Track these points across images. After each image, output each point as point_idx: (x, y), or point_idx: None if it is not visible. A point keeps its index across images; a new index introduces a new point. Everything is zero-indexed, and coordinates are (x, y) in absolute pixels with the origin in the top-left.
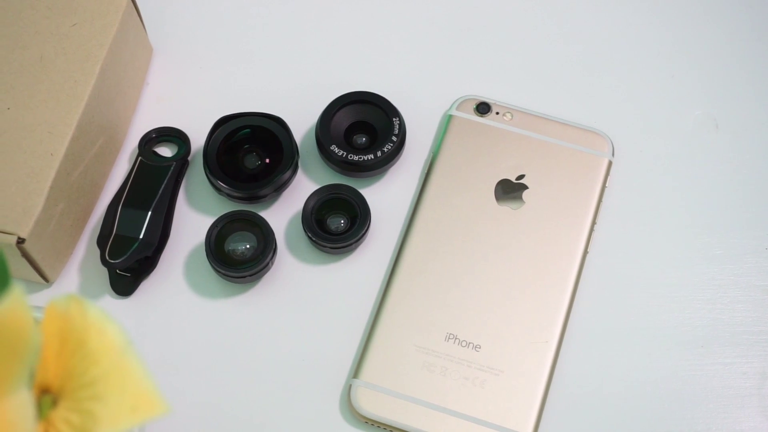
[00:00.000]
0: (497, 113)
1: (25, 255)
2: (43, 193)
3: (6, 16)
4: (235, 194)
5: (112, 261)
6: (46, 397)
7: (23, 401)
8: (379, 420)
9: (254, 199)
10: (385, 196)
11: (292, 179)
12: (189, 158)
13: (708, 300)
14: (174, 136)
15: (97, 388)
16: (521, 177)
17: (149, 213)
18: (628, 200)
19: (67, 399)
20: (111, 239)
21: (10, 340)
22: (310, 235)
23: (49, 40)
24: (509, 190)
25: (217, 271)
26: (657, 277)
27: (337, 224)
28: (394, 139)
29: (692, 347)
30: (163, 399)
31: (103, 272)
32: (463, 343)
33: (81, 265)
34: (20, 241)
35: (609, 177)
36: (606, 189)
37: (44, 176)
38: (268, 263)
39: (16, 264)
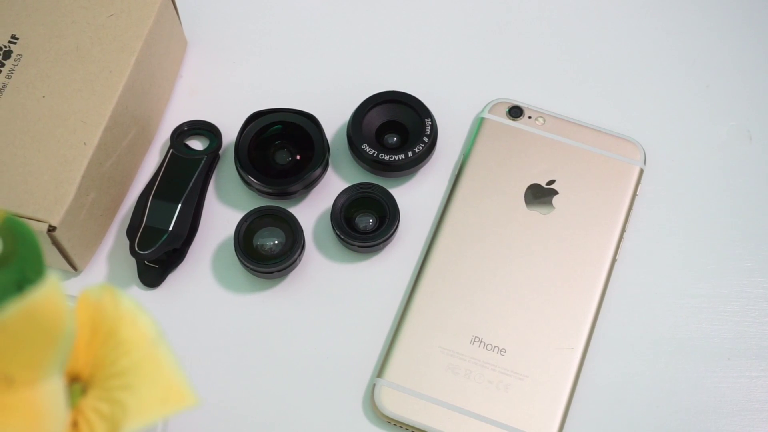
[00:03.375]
0: (529, 117)
1: (56, 243)
2: (75, 182)
3: (44, 5)
4: (265, 189)
5: (141, 252)
6: (76, 386)
7: (56, 389)
8: (401, 420)
9: (284, 195)
10: (415, 197)
11: (322, 176)
12: (220, 152)
13: (736, 312)
14: (206, 129)
15: (127, 378)
16: (552, 182)
17: (179, 205)
18: (659, 209)
19: (96, 388)
20: (140, 230)
21: (45, 327)
22: (338, 233)
23: (86, 30)
24: (539, 194)
25: (245, 266)
26: (685, 288)
27: (365, 223)
28: (426, 139)
29: (719, 359)
30: (194, 392)
31: (132, 263)
32: (488, 347)
33: (109, 255)
34: (51, 229)
35: (640, 185)
36: (637, 197)
37: (77, 165)
38: (295, 259)
39: (46, 252)
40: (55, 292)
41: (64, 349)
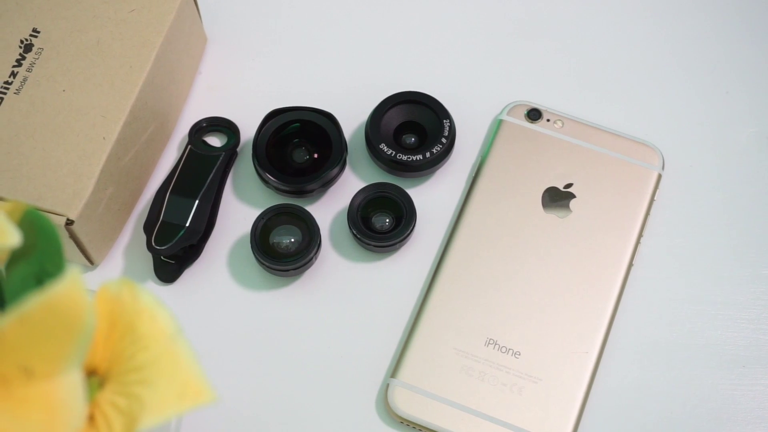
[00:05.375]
0: (548, 120)
1: (73, 237)
2: (94, 176)
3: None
4: (283, 187)
5: (158, 247)
6: (93, 379)
7: (74, 382)
8: (414, 421)
9: (301, 193)
10: (432, 198)
11: (339, 175)
12: (238, 149)
13: (752, 320)
14: (224, 126)
15: (145, 373)
16: (569, 185)
17: (196, 201)
18: (676, 215)
19: (114, 382)
20: (157, 225)
21: (65, 320)
22: (355, 232)
23: (107, 24)
24: (556, 198)
25: (261, 263)
26: (701, 294)
27: (382, 223)
28: (444, 140)
29: (733, 367)
30: (211, 388)
31: (148, 258)
32: (503, 349)
33: (126, 249)
34: (69, 223)
35: (658, 190)
36: (654, 202)
37: (96, 159)
38: (312, 258)
39: (63, 245)
40: (77, 286)
41: (84, 343)
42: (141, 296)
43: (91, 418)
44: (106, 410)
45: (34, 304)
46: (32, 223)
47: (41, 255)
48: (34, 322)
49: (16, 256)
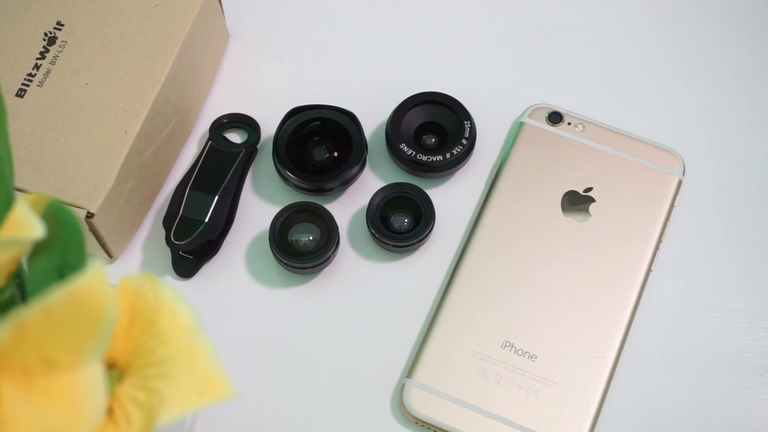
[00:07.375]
0: (569, 124)
1: (93, 230)
2: (115, 170)
3: None
4: (302, 185)
5: (177, 242)
6: (113, 372)
7: (96, 374)
8: (429, 421)
9: (320, 191)
10: (451, 199)
11: (359, 175)
12: (258, 146)
13: None
14: (245, 122)
15: (165, 367)
16: (589, 189)
17: (216, 197)
18: (696, 221)
19: (133, 376)
20: (177, 221)
21: (88, 312)
22: (373, 231)
23: (131, 19)
24: (576, 201)
25: (279, 261)
26: (720, 301)
27: (401, 223)
28: (464, 142)
29: (751, 375)
30: (231, 384)
31: (166, 253)
32: (519, 352)
33: (145, 243)
34: (89, 216)
35: (678, 196)
36: (674, 208)
37: (117, 153)
38: (330, 256)
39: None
40: (100, 279)
41: (106, 336)
42: (162, 291)
43: (111, 411)
44: (126, 404)
45: (58, 296)
46: (56, 215)
47: (64, 248)
48: (57, 314)
49: (38, 249)
